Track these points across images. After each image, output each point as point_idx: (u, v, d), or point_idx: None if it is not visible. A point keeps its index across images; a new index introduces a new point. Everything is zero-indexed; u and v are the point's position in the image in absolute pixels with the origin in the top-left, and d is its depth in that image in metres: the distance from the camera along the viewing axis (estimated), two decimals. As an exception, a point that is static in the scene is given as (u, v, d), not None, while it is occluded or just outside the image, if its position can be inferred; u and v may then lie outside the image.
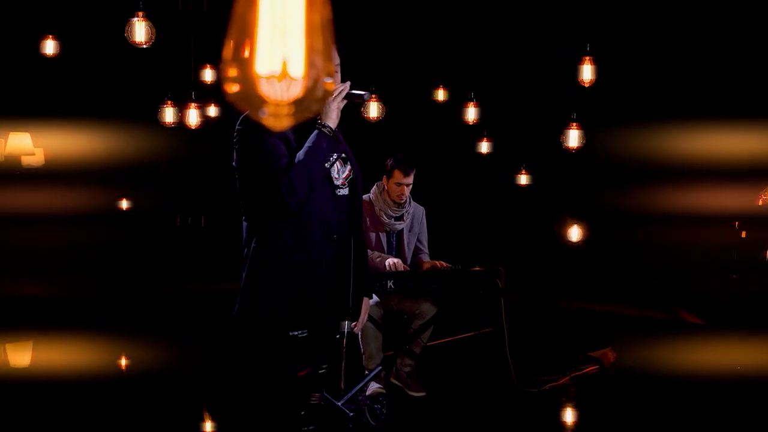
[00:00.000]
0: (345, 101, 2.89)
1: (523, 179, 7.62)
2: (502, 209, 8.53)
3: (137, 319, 7.16)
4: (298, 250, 2.81)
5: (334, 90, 2.83)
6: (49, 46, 6.35)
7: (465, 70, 7.88)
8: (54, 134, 9.01)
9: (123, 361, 5.63)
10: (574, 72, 5.31)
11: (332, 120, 2.85)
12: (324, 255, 2.85)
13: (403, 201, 4.87)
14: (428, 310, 4.80)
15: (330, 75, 1.03)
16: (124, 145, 9.21)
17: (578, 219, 7.08)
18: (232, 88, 1.01)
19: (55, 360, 5.53)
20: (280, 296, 2.80)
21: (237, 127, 2.85)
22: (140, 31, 4.17)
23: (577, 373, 5.24)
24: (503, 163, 7.81)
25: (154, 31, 4.13)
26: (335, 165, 2.87)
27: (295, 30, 0.98)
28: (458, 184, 8.56)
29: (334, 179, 2.89)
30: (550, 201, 8.23)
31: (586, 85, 5.15)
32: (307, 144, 2.79)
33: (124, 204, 9.33)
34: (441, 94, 7.62)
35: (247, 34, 0.98)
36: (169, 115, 5.34)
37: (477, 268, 4.72)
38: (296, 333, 2.81)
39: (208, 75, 7.17)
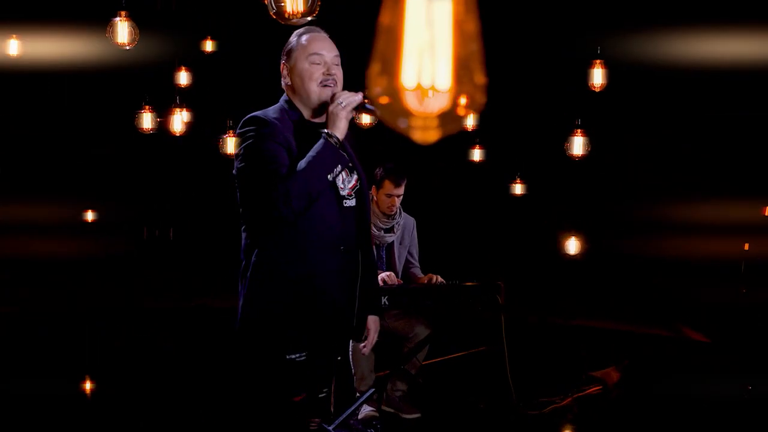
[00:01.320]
0: (354, 112, 2.85)
1: (518, 189, 7.67)
2: (496, 220, 8.58)
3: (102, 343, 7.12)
4: (300, 263, 2.79)
5: (344, 97, 2.82)
6: (13, 47, 6.34)
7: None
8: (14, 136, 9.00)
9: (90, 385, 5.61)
10: (572, 74, 5.37)
11: (340, 130, 2.80)
12: (326, 267, 2.83)
13: (393, 212, 4.88)
14: (422, 332, 4.81)
15: (477, 88, 1.05)
16: (89, 153, 9.21)
17: (576, 230, 7.14)
18: (380, 101, 1.03)
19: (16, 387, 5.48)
20: (279, 312, 2.79)
21: (237, 130, 2.86)
22: (123, 31, 4.18)
23: (580, 394, 5.26)
24: (497, 171, 7.87)
25: (137, 31, 4.14)
26: (341, 175, 2.86)
27: (442, 42, 1.01)
28: (450, 193, 8.61)
29: (339, 189, 2.87)
30: (547, 211, 8.29)
31: (597, 90, 5.22)
32: (311, 153, 2.76)
33: (90, 216, 9.28)
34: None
35: (393, 45, 1.00)
36: (147, 120, 5.34)
37: (474, 283, 4.75)
38: (294, 356, 2.79)
39: (183, 78, 7.16)
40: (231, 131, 5.54)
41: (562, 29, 7.70)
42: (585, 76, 5.52)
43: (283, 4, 2.59)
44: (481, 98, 1.07)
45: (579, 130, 5.20)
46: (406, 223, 5.06)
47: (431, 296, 4.66)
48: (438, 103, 1.06)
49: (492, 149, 7.60)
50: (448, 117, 1.07)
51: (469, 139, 7.49)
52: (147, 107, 5.34)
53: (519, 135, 8.14)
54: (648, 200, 7.79)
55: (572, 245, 7.14)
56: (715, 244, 7.42)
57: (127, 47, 4.21)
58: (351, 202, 2.94)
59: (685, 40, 7.20)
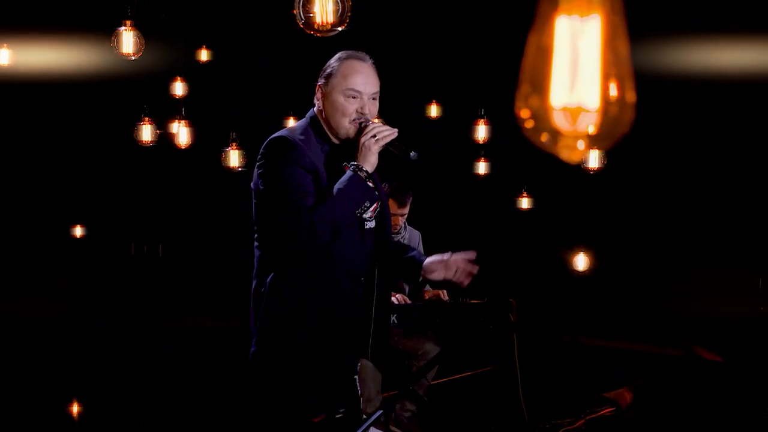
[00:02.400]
0: (384, 147, 2.83)
1: (525, 203, 7.73)
2: (502, 235, 8.63)
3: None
4: (322, 292, 2.81)
5: (378, 131, 2.82)
6: (3, 56, 6.41)
7: (457, 84, 8.04)
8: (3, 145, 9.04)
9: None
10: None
11: (370, 163, 2.81)
12: (350, 298, 2.87)
13: (397, 230, 4.94)
14: (431, 350, 4.86)
15: (627, 107, 1.11)
16: (78, 166, 9.25)
17: (585, 245, 7.20)
18: (527, 123, 1.09)
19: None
20: (299, 341, 2.81)
21: (262, 150, 2.85)
22: (128, 41, 4.24)
23: (593, 416, 5.32)
24: (503, 184, 7.93)
25: (142, 41, 4.20)
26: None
27: (591, 61, 1.06)
28: (454, 207, 8.66)
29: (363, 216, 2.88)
30: (555, 226, 8.35)
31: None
32: (339, 186, 2.75)
33: (78, 231, 9.31)
34: (434, 110, 7.76)
35: (543, 65, 1.06)
36: (146, 133, 5.40)
37: (486, 301, 4.81)
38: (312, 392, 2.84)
39: (178, 89, 7.22)
40: (234, 143, 5.62)
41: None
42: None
43: (312, 14, 2.63)
44: (630, 116, 1.13)
45: (594, 143, 5.26)
46: (411, 236, 5.12)
47: (441, 314, 4.71)
48: (587, 122, 1.11)
49: (497, 162, 7.67)
50: (598, 136, 1.13)
51: (474, 151, 7.57)
52: (146, 119, 5.40)
53: (525, 147, 8.20)
54: (661, 213, 7.86)
55: (581, 261, 7.22)
56: (731, 260, 7.51)
57: (133, 57, 4.28)
58: (371, 224, 2.96)
59: (703, 48, 7.26)
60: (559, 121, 1.11)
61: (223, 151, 5.74)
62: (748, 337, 6.99)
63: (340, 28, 2.65)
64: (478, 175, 7.63)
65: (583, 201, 8.25)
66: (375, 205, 2.93)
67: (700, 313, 7.73)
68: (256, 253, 2.95)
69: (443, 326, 4.73)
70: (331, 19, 2.63)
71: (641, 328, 8.11)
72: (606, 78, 1.10)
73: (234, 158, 5.66)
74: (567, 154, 1.15)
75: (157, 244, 11.00)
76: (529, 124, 1.11)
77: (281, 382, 2.88)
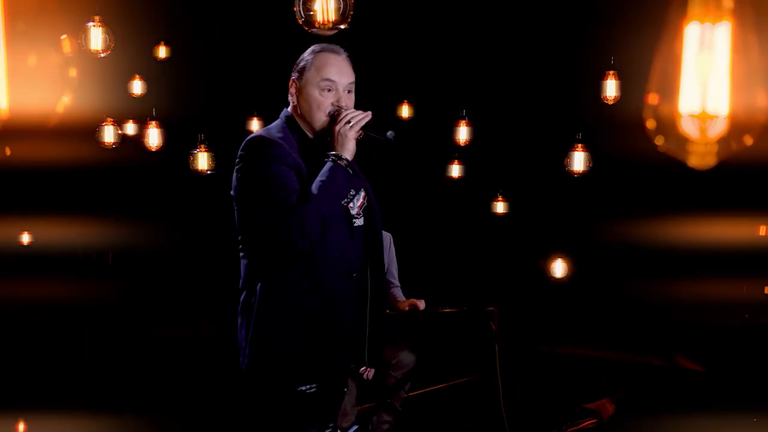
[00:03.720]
0: (361, 132, 2.89)
1: (500, 207, 7.82)
2: (477, 241, 8.71)
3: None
4: (314, 293, 2.85)
5: (351, 116, 2.87)
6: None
7: (429, 84, 8.13)
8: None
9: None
10: (560, 85, 5.56)
11: (349, 151, 2.85)
12: (343, 297, 2.91)
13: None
14: (407, 359, 4.92)
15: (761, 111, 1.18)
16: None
17: (563, 252, 7.31)
18: (656, 132, 1.16)
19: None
20: (293, 346, 2.84)
21: (240, 152, 2.87)
22: (96, 38, 4.25)
23: (574, 428, 5.41)
24: (478, 188, 8.01)
25: (112, 38, 4.22)
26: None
27: (721, 67, 1.14)
28: (428, 211, 8.72)
29: (349, 208, 2.92)
30: (532, 231, 8.44)
31: (610, 103, 5.39)
32: (321, 178, 2.80)
33: (26, 238, 9.23)
34: (405, 110, 7.85)
35: (672, 72, 1.14)
36: (108, 134, 5.39)
37: (466, 309, 4.89)
38: (305, 388, 2.85)
39: (137, 87, 7.22)
40: (202, 146, 5.63)
41: (552, 42, 7.91)
42: (574, 87, 5.72)
43: (312, 12, 2.64)
44: (762, 122, 1.20)
45: (579, 145, 5.36)
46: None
47: (420, 323, 4.78)
48: (717, 129, 1.19)
49: (472, 164, 7.76)
50: (728, 142, 1.20)
51: (447, 153, 7.65)
52: (108, 119, 5.40)
53: (501, 149, 8.30)
54: (642, 218, 7.98)
55: (559, 268, 7.32)
56: (713, 266, 7.63)
57: (102, 55, 4.29)
58: (360, 222, 3.01)
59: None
60: (688, 128, 1.19)
61: (191, 154, 5.75)
62: (732, 346, 7.13)
63: (342, 26, 2.67)
64: (452, 178, 7.71)
65: (562, 205, 8.37)
66: (361, 200, 2.99)
67: (682, 321, 7.86)
68: (243, 262, 2.96)
69: (423, 336, 4.80)
70: (333, 17, 2.64)
71: (621, 336, 8.23)
72: (736, 85, 1.18)
73: (203, 161, 5.67)
74: (696, 161, 1.23)
75: (107, 251, 10.92)
76: (651, 125, 1.20)
77: (277, 393, 2.89)
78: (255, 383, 2.91)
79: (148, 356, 7.73)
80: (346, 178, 2.83)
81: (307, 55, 2.98)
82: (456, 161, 7.71)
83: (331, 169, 2.81)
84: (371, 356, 3.08)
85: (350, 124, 2.86)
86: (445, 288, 7.26)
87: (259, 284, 2.86)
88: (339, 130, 2.86)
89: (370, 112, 2.91)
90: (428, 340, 4.93)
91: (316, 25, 2.61)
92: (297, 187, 2.78)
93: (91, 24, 4.21)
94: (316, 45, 3.01)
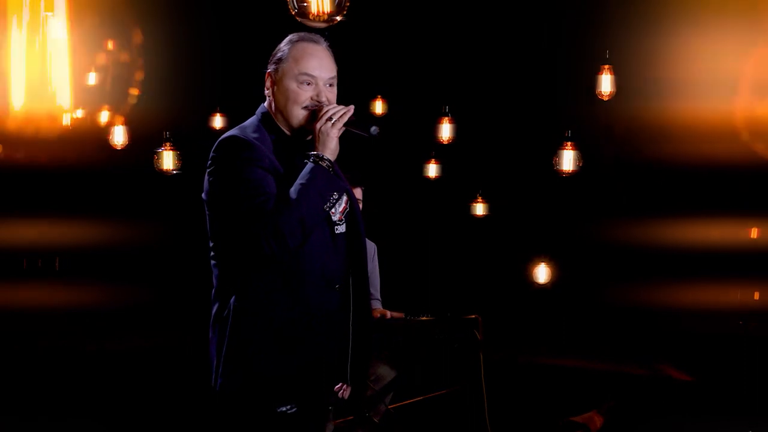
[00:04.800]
0: (344, 129, 2.80)
1: (480, 209, 7.80)
2: (455, 244, 8.69)
3: None
4: (293, 306, 2.76)
5: (333, 111, 2.79)
6: None
7: (407, 79, 8.11)
8: None
9: None
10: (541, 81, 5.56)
11: (331, 150, 2.77)
12: (322, 307, 2.82)
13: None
14: (386, 373, 4.88)
15: None
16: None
17: (546, 256, 7.31)
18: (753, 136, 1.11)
19: None
20: (271, 364, 2.75)
21: (213, 154, 2.79)
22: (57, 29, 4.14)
23: (562, 442, 5.44)
24: (456, 189, 8.00)
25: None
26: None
27: None
28: (403, 213, 8.69)
29: (330, 214, 2.84)
30: (513, 234, 8.44)
31: (605, 99, 5.40)
32: (300, 181, 2.71)
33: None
34: (379, 107, 7.82)
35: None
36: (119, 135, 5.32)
37: (450, 317, 4.86)
38: (285, 409, 2.76)
39: (91, 79, 7.12)
40: (168, 143, 5.55)
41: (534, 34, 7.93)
42: (563, 82, 5.72)
43: (306, 3, 2.56)
44: None
45: (569, 143, 5.35)
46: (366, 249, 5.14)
47: (402, 332, 4.74)
48: None
49: (450, 164, 7.74)
50: None
51: (425, 152, 7.63)
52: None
53: (480, 148, 8.29)
54: (628, 220, 8.02)
55: (542, 272, 7.33)
56: (702, 270, 7.69)
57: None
58: (341, 228, 2.92)
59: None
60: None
61: (156, 152, 5.67)
62: (723, 354, 7.19)
63: (338, 18, 2.60)
64: (429, 178, 7.69)
65: (545, 207, 8.38)
66: (344, 205, 2.91)
67: (670, 329, 7.92)
68: (215, 272, 2.86)
69: (405, 345, 4.76)
70: (328, 8, 2.57)
71: (607, 345, 8.27)
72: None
73: (168, 160, 5.59)
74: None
75: (54, 257, 10.80)
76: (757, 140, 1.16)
77: (255, 415, 2.81)
78: (230, 405, 2.82)
79: (103, 371, 7.61)
80: (328, 180, 2.74)
81: (283, 45, 2.90)
82: (433, 160, 7.68)
83: (311, 171, 2.72)
84: (354, 374, 2.98)
85: (332, 121, 2.77)
86: (424, 295, 7.22)
87: (234, 296, 2.76)
88: (320, 128, 2.78)
89: (352, 106, 2.82)
90: (408, 350, 4.89)
91: (310, 17, 2.54)
92: (274, 191, 2.69)
93: (49, 14, 4.13)
94: (293, 34, 2.92)
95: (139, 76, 7.73)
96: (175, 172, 5.70)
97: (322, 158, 2.75)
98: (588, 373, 7.56)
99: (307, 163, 2.76)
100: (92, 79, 7.15)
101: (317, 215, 2.74)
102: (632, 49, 6.79)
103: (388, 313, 4.85)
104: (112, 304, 9.45)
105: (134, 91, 7.39)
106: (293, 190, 2.69)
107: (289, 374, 2.77)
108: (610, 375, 7.49)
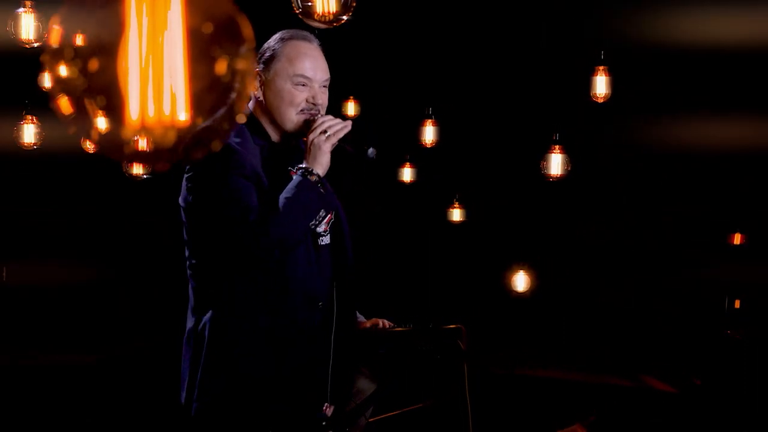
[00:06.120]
0: (337, 144, 2.79)
1: (456, 215, 7.88)
2: (431, 251, 8.74)
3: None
4: (270, 316, 2.79)
5: (329, 125, 2.79)
6: None
7: (382, 79, 8.17)
8: None
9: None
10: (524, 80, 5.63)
11: (322, 165, 2.77)
12: (304, 323, 2.85)
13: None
14: (366, 387, 4.94)
15: None
16: None
17: (525, 263, 7.40)
18: None
19: None
20: (250, 385, 2.77)
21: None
22: (28, 26, 4.17)
23: (547, 456, 5.54)
24: (432, 194, 8.06)
25: (45, 26, 4.14)
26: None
27: None
28: (378, 219, 8.75)
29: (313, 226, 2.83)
30: (492, 241, 8.52)
31: (600, 101, 5.50)
32: (287, 194, 2.69)
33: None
34: (351, 107, 7.89)
35: None
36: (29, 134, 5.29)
37: (432, 327, 4.92)
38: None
39: (46, 80, 7.08)
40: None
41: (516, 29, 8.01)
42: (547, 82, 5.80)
43: (311, 3, 2.62)
44: None
45: (557, 146, 5.43)
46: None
47: (384, 342, 4.80)
48: None
49: (425, 168, 7.80)
50: None
51: (399, 155, 7.69)
52: (29, 117, 5.29)
53: (457, 150, 8.37)
54: (612, 224, 8.12)
55: (521, 281, 7.42)
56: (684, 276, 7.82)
57: (35, 45, 4.23)
58: (325, 240, 2.94)
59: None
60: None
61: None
62: (707, 363, 7.31)
63: (345, 17, 2.65)
64: (404, 183, 7.74)
65: (525, 213, 8.46)
66: (329, 215, 2.90)
67: (652, 337, 8.03)
68: (191, 283, 2.88)
69: (386, 357, 4.82)
70: (333, 8, 2.62)
71: (588, 355, 8.37)
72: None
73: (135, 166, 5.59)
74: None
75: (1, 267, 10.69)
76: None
77: None
78: (208, 425, 2.81)
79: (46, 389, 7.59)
80: (317, 196, 2.73)
81: (274, 43, 2.92)
82: (408, 164, 7.74)
83: (299, 185, 2.72)
84: (334, 393, 3.05)
85: (326, 134, 2.77)
86: (403, 304, 7.26)
87: (211, 310, 2.77)
88: (312, 140, 2.77)
89: (350, 122, 2.83)
90: (389, 362, 4.95)
91: (316, 17, 2.59)
92: (255, 203, 2.67)
93: (21, 10, 4.16)
94: (283, 31, 2.95)
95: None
96: (146, 176, 5.72)
97: (311, 172, 2.75)
98: (571, 384, 7.66)
99: (294, 175, 2.77)
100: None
101: (301, 232, 2.73)
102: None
103: (381, 323, 4.90)
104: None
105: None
106: (280, 203, 2.68)
107: (270, 396, 2.82)
108: (594, 387, 7.59)
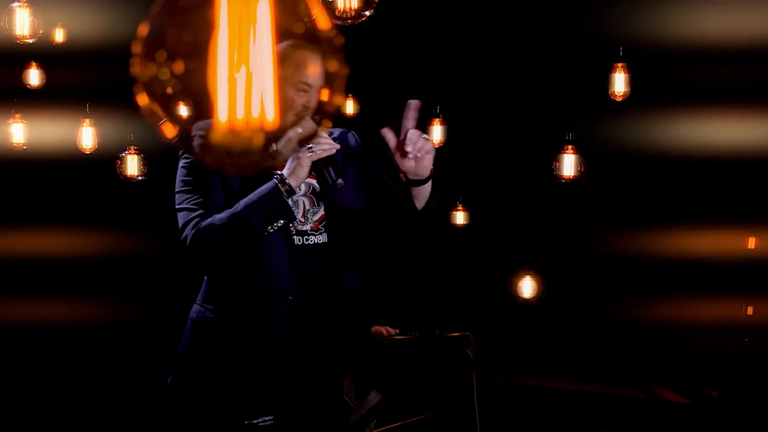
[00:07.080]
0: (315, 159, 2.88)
1: (460, 218, 7.89)
2: (435, 255, 8.76)
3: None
4: (241, 310, 2.95)
5: (318, 146, 2.88)
6: None
7: (380, 77, 8.18)
8: None
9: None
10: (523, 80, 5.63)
11: (298, 179, 2.87)
12: (276, 320, 2.96)
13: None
14: (371, 396, 4.96)
15: None
16: None
17: (531, 269, 7.40)
18: None
19: None
20: (216, 389, 2.95)
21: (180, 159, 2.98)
22: (23, 21, 4.17)
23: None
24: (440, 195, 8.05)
25: (41, 22, 4.13)
26: (301, 206, 2.99)
27: None
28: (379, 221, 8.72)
29: (291, 224, 2.98)
30: (498, 245, 8.51)
31: (619, 99, 5.50)
32: (253, 197, 2.84)
33: None
34: (351, 107, 7.90)
35: None
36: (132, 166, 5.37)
37: (439, 334, 4.93)
38: (257, 421, 2.88)
39: (33, 77, 7.09)
40: (132, 147, 5.57)
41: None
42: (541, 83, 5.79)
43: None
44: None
45: (570, 147, 5.43)
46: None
47: (391, 351, 4.81)
48: None
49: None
50: None
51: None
52: (17, 115, 5.30)
53: (460, 152, 8.38)
54: (620, 231, 8.13)
55: (527, 287, 7.41)
56: (697, 283, 7.82)
57: (30, 41, 4.22)
58: (318, 238, 3.05)
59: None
60: None
61: (120, 157, 5.68)
62: (722, 373, 7.32)
63: (367, 14, 2.63)
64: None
65: (532, 215, 8.46)
66: (321, 213, 3.06)
67: (664, 347, 8.03)
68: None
69: (391, 366, 4.83)
70: (355, 4, 2.60)
71: (597, 364, 8.37)
72: None
73: (132, 165, 5.60)
74: None
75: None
76: None
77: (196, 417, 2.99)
78: (176, 405, 3.03)
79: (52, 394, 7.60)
80: (278, 205, 2.83)
81: (282, 49, 2.92)
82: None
83: (267, 191, 2.85)
84: (309, 391, 3.09)
85: (311, 151, 2.86)
86: (409, 311, 7.24)
87: (197, 300, 3.02)
88: (298, 155, 2.86)
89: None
90: (395, 371, 4.96)
91: (337, 13, 2.59)
92: (221, 200, 2.87)
93: (16, 5, 4.15)
94: (290, 40, 3.01)
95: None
96: (140, 178, 5.72)
97: (284, 182, 2.85)
98: (579, 395, 7.66)
99: (268, 180, 2.88)
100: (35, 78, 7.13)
101: (256, 236, 2.84)
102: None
103: (384, 330, 4.91)
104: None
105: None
106: (241, 204, 2.83)
107: (238, 385, 2.95)
108: (604, 397, 7.59)
